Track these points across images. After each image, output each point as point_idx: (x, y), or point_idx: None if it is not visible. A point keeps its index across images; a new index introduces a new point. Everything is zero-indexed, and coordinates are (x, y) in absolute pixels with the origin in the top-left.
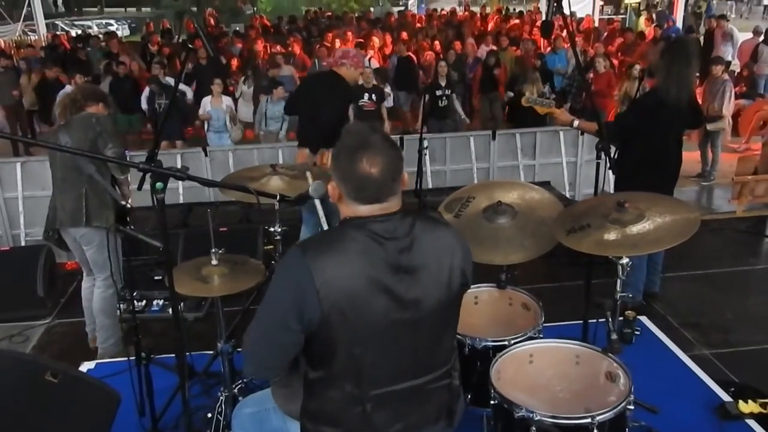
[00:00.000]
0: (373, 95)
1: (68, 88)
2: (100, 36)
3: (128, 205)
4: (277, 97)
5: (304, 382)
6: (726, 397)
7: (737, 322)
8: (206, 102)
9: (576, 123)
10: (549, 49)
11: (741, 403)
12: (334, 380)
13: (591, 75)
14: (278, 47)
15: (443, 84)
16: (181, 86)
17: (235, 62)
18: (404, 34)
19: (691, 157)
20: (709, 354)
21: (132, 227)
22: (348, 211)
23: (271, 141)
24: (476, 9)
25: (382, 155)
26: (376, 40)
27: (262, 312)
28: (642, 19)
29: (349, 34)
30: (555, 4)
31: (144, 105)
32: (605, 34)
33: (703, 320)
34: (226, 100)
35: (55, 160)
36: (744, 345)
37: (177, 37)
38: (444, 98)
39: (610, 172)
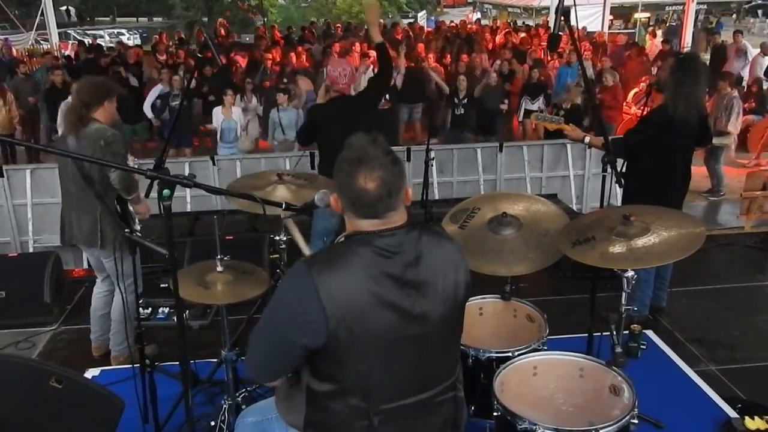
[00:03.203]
0: (387, 95)
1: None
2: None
3: (138, 232)
4: (284, 104)
5: (307, 393)
6: (732, 414)
7: (744, 338)
8: (217, 112)
9: (587, 139)
10: (563, 62)
11: (747, 419)
12: (341, 394)
13: (597, 88)
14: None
15: (461, 96)
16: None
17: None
18: (420, 47)
19: (699, 173)
20: (715, 370)
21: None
22: (351, 226)
23: (289, 150)
24: (486, 22)
25: (380, 171)
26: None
27: (265, 326)
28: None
29: (358, 45)
30: (563, 18)
31: (149, 113)
32: (609, 47)
33: (710, 336)
34: (237, 111)
35: (66, 173)
36: (751, 361)
37: (187, 47)
38: (460, 107)
39: (617, 185)
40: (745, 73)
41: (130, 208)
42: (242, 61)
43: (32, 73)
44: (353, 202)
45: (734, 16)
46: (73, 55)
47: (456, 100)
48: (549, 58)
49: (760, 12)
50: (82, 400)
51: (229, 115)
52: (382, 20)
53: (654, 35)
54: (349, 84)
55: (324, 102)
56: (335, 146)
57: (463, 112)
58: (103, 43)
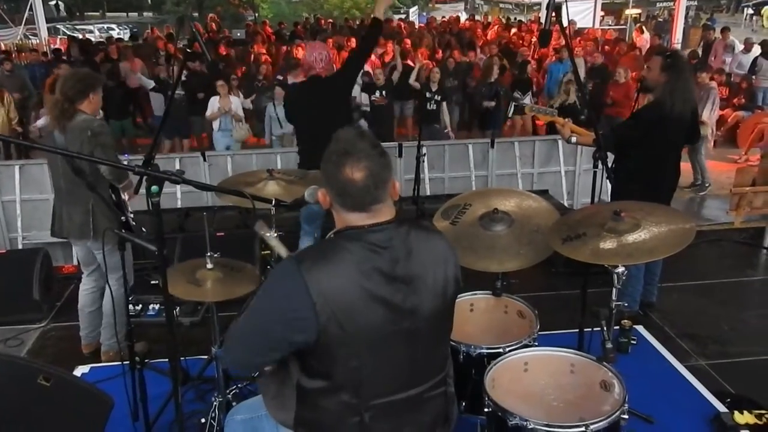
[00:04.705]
0: (384, 91)
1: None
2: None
3: (131, 220)
4: (281, 97)
5: (297, 390)
6: (722, 408)
7: (734, 333)
8: (214, 102)
9: (573, 139)
10: (554, 58)
11: (737, 414)
12: (331, 390)
13: (590, 86)
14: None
15: (434, 89)
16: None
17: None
18: (407, 43)
19: (684, 168)
20: (705, 365)
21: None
22: (340, 222)
23: (287, 143)
24: (479, 18)
25: (366, 161)
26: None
27: (250, 321)
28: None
29: (353, 41)
30: (554, 14)
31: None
32: (603, 43)
33: (700, 331)
34: (234, 100)
35: (56, 167)
36: (741, 356)
37: (176, 42)
38: (433, 102)
39: (608, 181)
40: (731, 68)
41: (123, 196)
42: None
43: (14, 70)
44: (340, 194)
45: (748, 11)
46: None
47: (428, 94)
48: (536, 56)
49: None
50: (71, 398)
51: (227, 104)
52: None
53: (641, 31)
54: (326, 69)
55: (299, 83)
56: (306, 128)
57: (435, 107)
58: (93, 38)
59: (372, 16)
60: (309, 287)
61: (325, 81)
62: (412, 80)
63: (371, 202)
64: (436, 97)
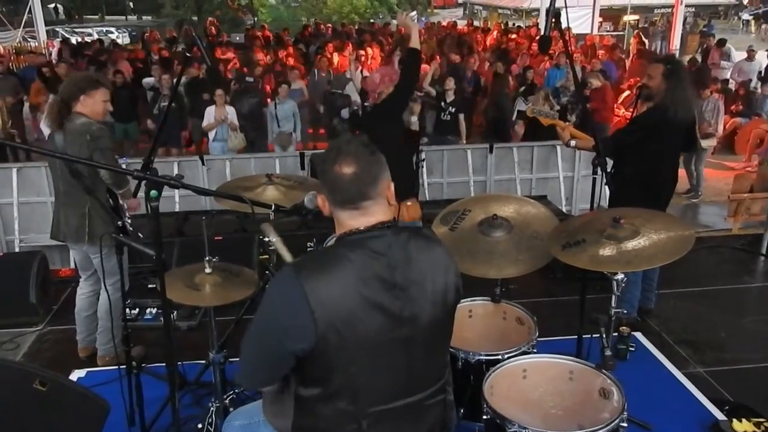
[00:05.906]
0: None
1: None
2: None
3: (128, 225)
4: (284, 96)
5: (294, 398)
6: (720, 416)
7: (732, 340)
8: (210, 111)
9: (573, 143)
10: (550, 64)
11: (735, 422)
12: (329, 398)
13: (587, 92)
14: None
15: (448, 100)
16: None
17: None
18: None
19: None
20: (703, 372)
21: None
22: (338, 226)
23: (285, 142)
24: (478, 23)
25: (354, 157)
26: (369, 51)
27: (254, 333)
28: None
29: (350, 46)
30: (553, 20)
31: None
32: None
33: (698, 337)
34: (229, 110)
35: (55, 170)
36: (739, 363)
37: (176, 45)
38: (447, 113)
39: (607, 187)
40: (727, 75)
41: (121, 201)
42: (234, 60)
43: (7, 73)
44: (332, 189)
45: (745, 16)
46: (56, 54)
47: (443, 104)
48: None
49: None
50: (67, 402)
51: (222, 114)
52: (372, 20)
53: (638, 38)
54: (387, 82)
55: (353, 114)
56: None
57: (449, 118)
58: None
59: (408, 47)
60: (308, 295)
61: (371, 110)
62: (426, 84)
63: (360, 197)
64: (450, 108)
